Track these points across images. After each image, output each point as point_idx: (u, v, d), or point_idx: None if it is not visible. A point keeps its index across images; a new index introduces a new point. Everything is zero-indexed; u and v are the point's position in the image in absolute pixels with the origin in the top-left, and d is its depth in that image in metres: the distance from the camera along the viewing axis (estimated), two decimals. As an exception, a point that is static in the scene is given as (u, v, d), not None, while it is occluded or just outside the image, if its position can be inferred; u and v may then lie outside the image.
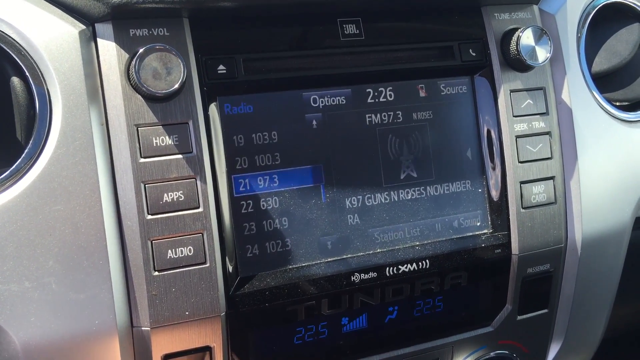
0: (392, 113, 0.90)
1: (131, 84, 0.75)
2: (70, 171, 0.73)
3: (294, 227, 0.85)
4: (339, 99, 0.87)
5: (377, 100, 0.89)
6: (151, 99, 0.75)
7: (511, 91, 0.94)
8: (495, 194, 0.95)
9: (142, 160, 0.75)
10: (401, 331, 0.93)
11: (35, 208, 0.71)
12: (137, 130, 0.75)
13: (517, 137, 0.94)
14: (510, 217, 0.95)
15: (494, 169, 0.95)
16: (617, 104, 1.06)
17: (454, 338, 0.97)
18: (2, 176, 0.71)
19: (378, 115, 0.89)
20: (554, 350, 1.08)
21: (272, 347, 0.86)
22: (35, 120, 0.73)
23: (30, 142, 0.73)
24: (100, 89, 0.76)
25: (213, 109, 0.80)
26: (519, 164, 0.94)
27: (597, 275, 1.06)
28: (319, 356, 0.89)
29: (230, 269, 0.81)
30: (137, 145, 0.75)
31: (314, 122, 0.86)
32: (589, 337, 1.13)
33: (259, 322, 0.83)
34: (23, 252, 0.71)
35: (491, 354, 1.01)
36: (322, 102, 0.86)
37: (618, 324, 1.27)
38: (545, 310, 1.02)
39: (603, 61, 1.05)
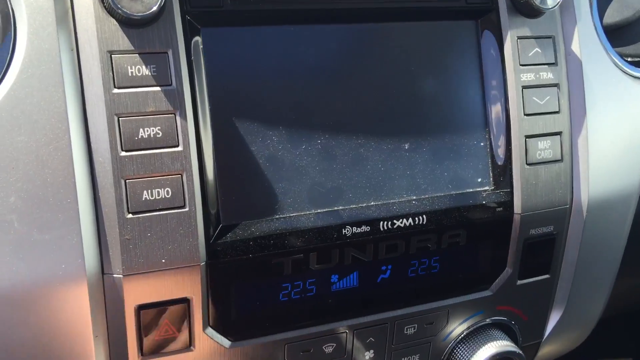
0: (390, 55, 0.84)
1: (104, 6, 0.68)
2: (35, 98, 0.66)
3: (282, 175, 0.78)
4: (332, 37, 0.81)
5: (374, 40, 0.83)
6: (127, 23, 0.69)
7: (518, 38, 0.88)
8: (498, 148, 0.89)
9: (116, 90, 0.69)
10: (394, 292, 0.87)
11: (-4, 137, 0.65)
12: (111, 57, 0.68)
13: (524, 87, 0.88)
14: (514, 174, 0.89)
15: (497, 121, 0.88)
16: (629, 59, 1.00)
17: (450, 301, 0.91)
18: (-41, 101, 0.65)
19: (375, 56, 0.83)
20: (553, 319, 1.03)
21: (256, 303, 0.79)
22: (-2, 42, 0.66)
23: (-8, 65, 0.66)
24: (70, 10, 0.69)
25: (196, 40, 0.73)
26: (525, 116, 0.88)
27: (602, 241, 1.00)
28: (306, 315, 0.83)
29: (212, 215, 0.74)
30: (111, 74, 0.68)
31: (305, 61, 0.79)
32: (590, 308, 1.08)
33: (242, 274, 0.77)
34: (-18, 185, 0.64)
35: (487, 320, 0.95)
36: (314, 39, 0.80)
37: (616, 304, 1.21)
38: (547, 276, 0.96)
39: (615, 13, 0.99)
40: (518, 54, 0.88)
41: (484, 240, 0.90)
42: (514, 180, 0.89)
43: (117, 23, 0.68)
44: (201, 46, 0.73)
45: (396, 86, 0.84)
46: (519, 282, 0.94)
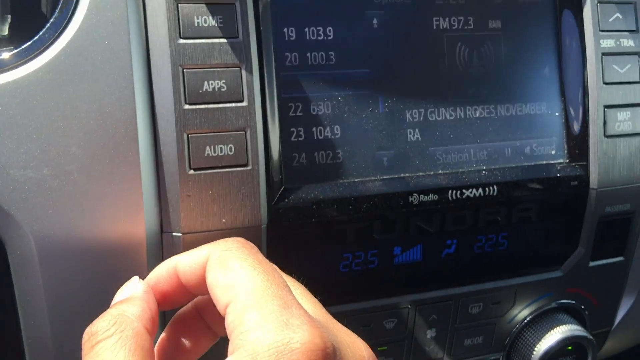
0: (462, 18, 0.80)
1: (172, -48, 0.66)
2: (100, 46, 0.64)
3: (346, 138, 0.75)
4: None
5: (446, 1, 0.79)
6: (194, -29, 0.66)
7: (599, 2, 0.83)
8: (574, 119, 0.84)
9: (182, 41, 0.66)
10: (459, 268, 0.83)
11: (59, 85, 0.63)
12: (177, 6, 0.66)
13: (604, 54, 0.83)
14: (590, 146, 0.83)
15: (574, 90, 0.83)
16: None
17: (518, 280, 0.86)
18: (23, 47, 0.63)
19: (447, 19, 0.79)
20: (624, 307, 0.97)
21: (315, 272, 0.76)
22: (63, -12, 0.64)
23: (57, 11, 0.64)
24: (137, -43, 0.66)
25: (262, -7, 0.70)
26: (604, 85, 0.83)
27: (681, 224, 0.94)
28: (366, 288, 0.79)
29: (274, 176, 0.71)
30: (177, 23, 0.66)
31: (375, 21, 0.76)
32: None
33: (303, 240, 0.73)
34: (42, 134, 0.62)
35: (552, 304, 0.89)
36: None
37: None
38: (621, 258, 0.91)
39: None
40: (598, 19, 0.83)
41: (556, 216, 0.85)
42: (590, 154, 0.83)
43: (184, -29, 0.66)
44: (268, -1, 0.71)
45: (468, 51, 0.79)
46: (592, 263, 0.89)
